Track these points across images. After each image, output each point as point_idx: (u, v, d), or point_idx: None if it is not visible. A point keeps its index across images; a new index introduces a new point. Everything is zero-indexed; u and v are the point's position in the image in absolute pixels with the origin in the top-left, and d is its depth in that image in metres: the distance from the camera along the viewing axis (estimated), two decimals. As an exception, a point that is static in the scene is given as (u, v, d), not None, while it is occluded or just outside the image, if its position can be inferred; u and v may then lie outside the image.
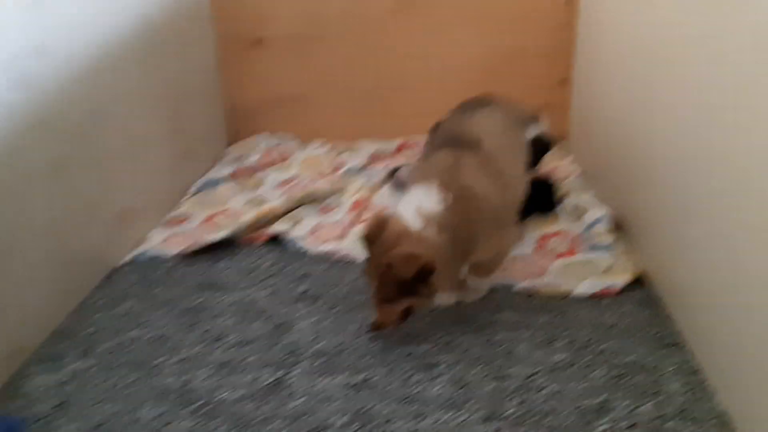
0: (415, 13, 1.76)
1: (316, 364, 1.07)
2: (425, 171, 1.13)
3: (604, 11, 1.50)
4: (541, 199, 1.45)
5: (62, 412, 0.99)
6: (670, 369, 1.04)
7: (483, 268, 1.19)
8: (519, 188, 1.23)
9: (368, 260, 1.05)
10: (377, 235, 1.04)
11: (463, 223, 1.05)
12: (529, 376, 1.03)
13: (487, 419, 0.95)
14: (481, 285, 1.22)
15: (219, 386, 1.03)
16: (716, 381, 0.99)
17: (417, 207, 1.05)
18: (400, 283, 1.01)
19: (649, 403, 0.97)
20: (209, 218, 1.52)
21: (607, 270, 1.27)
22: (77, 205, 1.21)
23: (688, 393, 0.99)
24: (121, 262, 1.36)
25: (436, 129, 1.60)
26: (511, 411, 0.97)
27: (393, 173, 1.42)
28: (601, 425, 0.94)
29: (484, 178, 1.10)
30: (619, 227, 1.38)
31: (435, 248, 1.02)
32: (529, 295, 1.24)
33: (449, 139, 1.18)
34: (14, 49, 1.04)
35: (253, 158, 1.77)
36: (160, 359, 1.09)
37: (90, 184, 1.24)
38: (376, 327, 1.07)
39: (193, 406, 0.99)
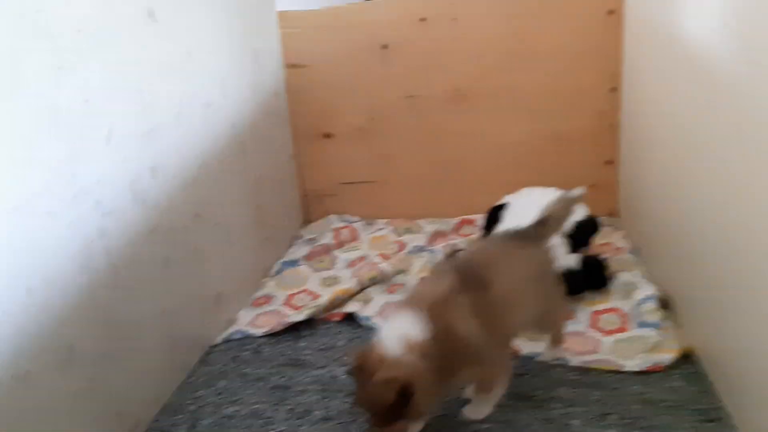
0: (468, 102, 1.93)
1: (391, 438, 1.21)
2: (419, 296, 1.14)
3: (645, 94, 1.63)
4: (593, 276, 1.57)
5: (175, 481, 1.16)
6: (716, 444, 1.13)
7: (482, 386, 1.23)
8: (527, 321, 1.25)
9: (357, 391, 1.08)
10: (363, 366, 1.05)
11: (443, 355, 1.06)
12: (584, 452, 1.14)
13: (546, 493, 1.07)
14: (484, 403, 1.24)
15: (308, 459, 1.18)
16: (760, 456, 1.08)
17: (400, 333, 1.06)
18: (386, 408, 1.02)
19: (697, 478, 1.06)
20: (290, 297, 1.69)
21: (656, 346, 1.37)
22: (181, 294, 1.40)
23: (733, 467, 1.08)
24: (217, 341, 1.54)
25: (491, 213, 1.75)
26: (568, 485, 1.08)
27: (453, 253, 1.56)
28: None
29: (474, 320, 1.10)
30: (666, 304, 1.48)
31: (414, 371, 1.03)
32: (584, 371, 1.35)
33: (462, 267, 1.18)
34: (135, 170, 1.25)
35: (326, 239, 1.95)
36: (256, 432, 1.25)
37: (191, 275, 1.44)
38: None
39: (287, 477, 1.14)
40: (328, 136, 2.02)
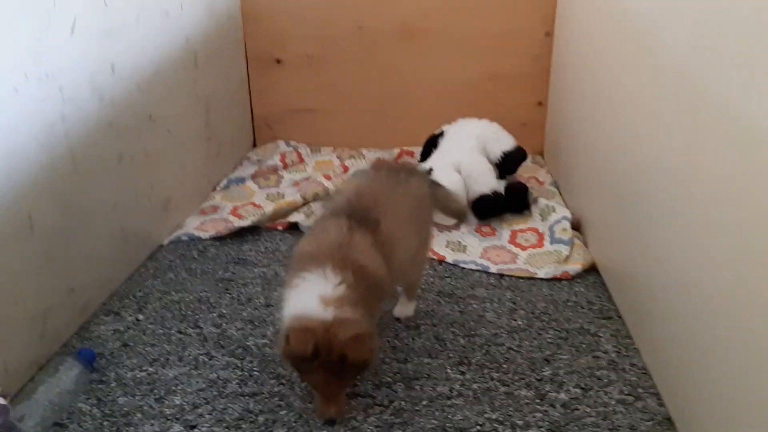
0: (414, 38, 2.04)
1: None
2: (316, 251, 1.06)
3: (574, 40, 1.78)
4: (516, 200, 1.73)
5: (125, 350, 1.26)
6: (607, 334, 1.31)
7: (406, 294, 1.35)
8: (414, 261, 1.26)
9: (319, 368, 0.97)
10: (314, 344, 0.96)
11: (365, 297, 1.04)
12: (493, 335, 1.31)
13: (458, 364, 1.23)
14: (409, 304, 1.36)
15: (249, 335, 1.30)
16: (641, 344, 1.26)
17: (320, 295, 1.00)
18: (357, 366, 0.99)
19: (586, 357, 1.24)
20: (235, 209, 1.80)
21: (566, 259, 1.55)
22: (133, 191, 1.48)
23: (618, 351, 1.26)
24: (165, 241, 1.64)
25: (429, 141, 1.88)
26: (477, 359, 1.24)
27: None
28: (546, 371, 1.21)
29: (377, 256, 1.09)
30: (577, 226, 1.66)
31: (360, 320, 1.00)
32: (501, 276, 1.51)
33: (349, 209, 1.13)
34: (94, 67, 1.32)
35: (273, 161, 2.05)
36: (201, 315, 1.37)
37: (143, 175, 1.52)
38: (335, 419, 1.02)
39: (229, 348, 1.26)
40: (278, 61, 2.10)
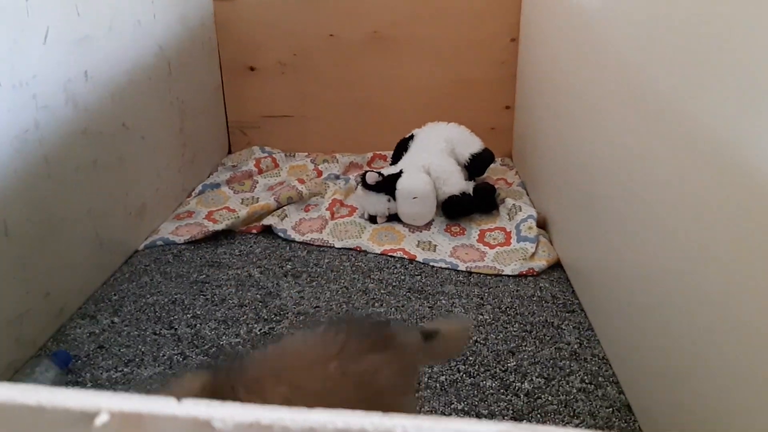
0: (384, 46, 2.09)
1: (297, 320, 1.38)
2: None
3: (539, 45, 1.84)
4: (484, 201, 1.78)
5: (100, 352, 1.29)
6: (569, 327, 1.36)
7: None
8: None
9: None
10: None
11: None
12: (461, 330, 1.35)
13: (425, 357, 1.27)
14: None
15: (223, 334, 1.34)
16: (602, 335, 1.31)
17: None
18: None
19: (549, 349, 1.29)
20: (210, 213, 1.83)
21: (531, 256, 1.60)
22: (107, 197, 1.51)
23: (580, 342, 1.31)
24: (140, 246, 1.66)
25: (400, 144, 1.93)
26: (445, 353, 1.28)
27: (363, 177, 1.74)
28: (510, 362, 1.26)
29: None
30: (544, 225, 1.71)
31: None
32: (469, 273, 1.56)
33: None
34: (70, 72, 1.35)
35: (247, 166, 2.08)
36: (175, 316, 1.40)
37: (117, 181, 1.55)
38: None
39: (203, 348, 1.30)
40: (252, 69, 2.14)
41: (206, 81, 2.06)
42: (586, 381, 1.21)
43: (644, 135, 1.07)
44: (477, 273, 1.56)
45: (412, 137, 1.90)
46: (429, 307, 1.43)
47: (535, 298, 1.46)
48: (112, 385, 1.20)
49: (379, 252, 1.65)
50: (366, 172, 1.75)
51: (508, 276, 1.55)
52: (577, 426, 1.11)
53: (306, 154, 2.19)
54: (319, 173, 2.05)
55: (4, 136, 1.16)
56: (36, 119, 1.25)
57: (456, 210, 1.75)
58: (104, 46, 1.47)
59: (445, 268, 1.58)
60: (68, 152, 1.35)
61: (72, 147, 1.36)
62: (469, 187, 1.79)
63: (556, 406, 1.15)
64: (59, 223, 1.33)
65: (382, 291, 1.49)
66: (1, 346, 1.18)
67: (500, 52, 2.06)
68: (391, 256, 1.63)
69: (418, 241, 1.68)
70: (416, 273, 1.57)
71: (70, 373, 1.22)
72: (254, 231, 1.75)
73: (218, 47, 2.12)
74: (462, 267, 1.58)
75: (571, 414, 1.13)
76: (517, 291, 1.49)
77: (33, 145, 1.24)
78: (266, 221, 1.76)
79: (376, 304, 1.44)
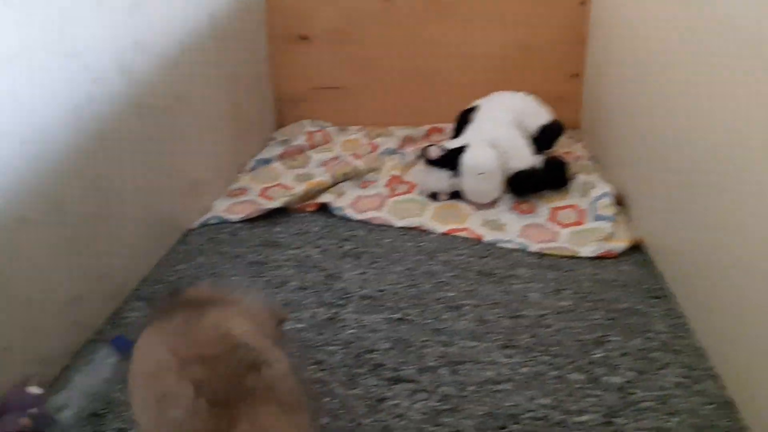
0: (443, 11, 1.97)
1: (362, 305, 1.30)
2: None
3: (614, 11, 1.70)
4: (555, 176, 1.67)
5: (159, 338, 1.23)
6: (658, 314, 1.25)
7: None
8: None
9: None
10: None
11: None
12: (540, 317, 1.25)
13: (504, 347, 1.18)
14: None
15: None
16: (696, 324, 1.20)
17: None
18: None
19: (639, 339, 1.19)
20: (264, 190, 1.75)
21: (609, 237, 1.48)
22: (161, 174, 1.44)
23: (671, 332, 1.20)
24: (194, 224, 1.60)
25: (462, 116, 1.82)
26: (524, 342, 1.19)
27: (425, 151, 1.64)
28: (597, 353, 1.15)
29: None
30: (621, 202, 1.59)
31: None
32: (541, 255, 1.46)
33: None
34: (121, 44, 1.27)
35: (299, 141, 2.00)
36: (234, 300, 1.33)
37: (170, 157, 1.47)
38: None
39: (265, 334, 1.22)
40: (304, 38, 2.04)
41: (256, 51, 1.97)
42: (682, 375, 1.10)
43: (751, 98, 0.95)
44: (550, 255, 1.45)
45: (474, 108, 1.79)
46: (502, 292, 1.33)
47: (617, 283, 1.35)
48: (173, 374, 1.13)
49: (442, 232, 1.55)
50: (428, 146, 1.65)
51: (585, 258, 1.44)
52: (677, 424, 1.00)
53: (359, 127, 2.10)
54: (374, 148, 1.96)
55: (57, 111, 1.09)
56: (88, 92, 1.17)
57: (525, 186, 1.64)
58: (154, 13, 1.38)
59: (515, 250, 1.48)
60: (122, 127, 1.28)
61: (126, 121, 1.29)
62: (538, 161, 1.67)
63: (651, 403, 1.05)
64: (114, 200, 1.27)
65: (449, 274, 1.40)
66: (56, 330, 1.12)
67: (568, 16, 1.92)
68: (455, 236, 1.54)
69: (484, 220, 1.58)
70: (484, 254, 1.47)
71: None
72: (310, 209, 1.67)
73: (267, 16, 2.02)
74: (533, 248, 1.47)
75: (669, 411, 1.03)
76: (597, 275, 1.38)
77: (87, 120, 1.17)
78: (322, 199, 1.67)
79: (444, 288, 1.35)
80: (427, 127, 2.05)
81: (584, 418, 1.03)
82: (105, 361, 1.09)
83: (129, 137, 1.30)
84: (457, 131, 1.79)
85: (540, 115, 1.74)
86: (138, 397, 0.69)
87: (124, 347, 1.15)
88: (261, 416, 0.65)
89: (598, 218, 1.54)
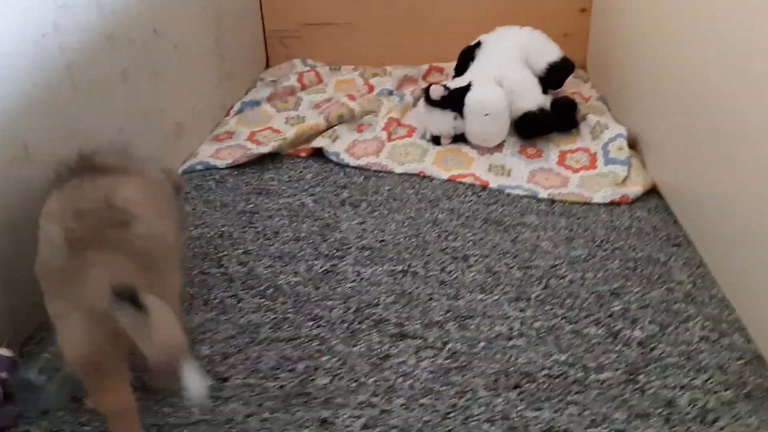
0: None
1: (362, 256, 1.21)
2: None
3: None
4: (563, 117, 1.56)
5: (143, 293, 1.13)
6: (678, 263, 1.17)
7: None
8: None
9: None
10: None
11: None
12: (552, 267, 1.17)
13: (515, 300, 1.09)
14: None
15: (280, 273, 1.17)
16: (718, 273, 1.12)
17: None
18: None
19: (659, 290, 1.11)
20: (253, 134, 1.63)
21: (624, 181, 1.39)
22: (141, 115, 1.32)
23: (693, 282, 1.12)
24: (179, 170, 1.49)
25: (465, 53, 1.70)
26: (536, 294, 1.11)
27: (426, 91, 1.52)
28: (615, 306, 1.08)
29: None
30: (633, 145, 1.49)
31: None
32: (552, 202, 1.36)
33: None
34: (90, -33, 1.14)
35: (289, 81, 1.87)
36: (224, 252, 1.23)
37: (150, 97, 1.35)
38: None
39: (259, 289, 1.13)
40: (293, -30, 1.89)
41: (241, -16, 1.83)
42: (708, 328, 1.03)
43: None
44: (561, 201, 1.36)
45: (479, 45, 1.66)
46: (511, 241, 1.24)
47: (633, 230, 1.26)
48: (159, 332, 1.04)
49: (445, 178, 1.45)
50: (429, 85, 1.53)
51: (599, 204, 1.35)
52: (705, 382, 0.93)
53: (353, 67, 1.96)
54: (371, 88, 1.83)
55: (20, 40, 0.97)
56: (55, 20, 1.04)
57: (532, 129, 1.53)
58: (128, -66, 1.24)
59: (524, 196, 1.38)
60: (93, 60, 1.15)
61: (98, 55, 1.16)
62: (546, 101, 1.56)
63: (676, 359, 0.97)
64: (88, 143, 1.15)
65: (455, 222, 1.31)
66: (29, 285, 1.02)
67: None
68: (460, 183, 1.44)
69: (490, 165, 1.48)
70: (491, 201, 1.37)
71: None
72: (303, 154, 1.56)
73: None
74: (543, 194, 1.38)
75: (696, 368, 0.96)
76: (611, 222, 1.29)
77: (53, 52, 1.04)
78: (316, 143, 1.56)
79: (449, 237, 1.26)
80: (426, 66, 1.92)
81: (604, 375, 0.95)
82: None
83: (102, 73, 1.18)
84: (460, 70, 1.68)
85: (548, 52, 1.62)
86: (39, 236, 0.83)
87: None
88: (114, 265, 0.77)
89: (612, 161, 1.44)
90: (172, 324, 0.71)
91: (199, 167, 1.50)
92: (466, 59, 1.66)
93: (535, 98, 1.54)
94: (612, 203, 1.34)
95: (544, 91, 1.60)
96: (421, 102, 1.58)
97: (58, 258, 0.78)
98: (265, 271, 1.17)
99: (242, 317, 1.07)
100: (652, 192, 1.37)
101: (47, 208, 0.85)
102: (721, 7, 1.07)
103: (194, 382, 0.71)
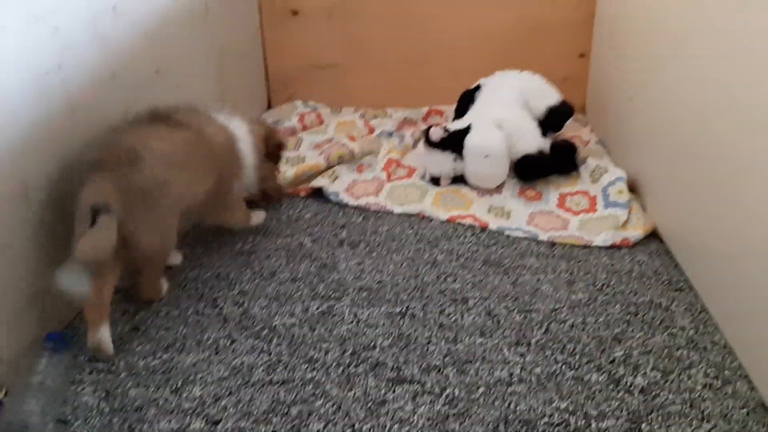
0: (444, -13, 1.86)
1: (359, 297, 1.19)
2: None
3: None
4: (563, 160, 1.56)
5: (135, 335, 1.11)
6: (680, 308, 1.15)
7: None
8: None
9: None
10: None
11: None
12: (553, 311, 1.15)
13: (515, 344, 1.07)
14: None
15: (276, 314, 1.15)
16: (720, 319, 1.11)
17: None
18: None
19: (661, 335, 1.09)
20: (253, 174, 1.63)
21: (624, 224, 1.38)
22: (141, 154, 1.32)
23: (695, 327, 1.10)
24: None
25: (465, 96, 1.71)
26: (537, 338, 1.09)
27: (427, 132, 1.53)
28: (617, 351, 1.05)
29: None
30: (632, 189, 1.49)
31: None
32: (552, 244, 1.35)
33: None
34: (95, 8, 1.15)
35: (290, 122, 1.88)
36: (220, 292, 1.21)
37: (151, 136, 1.36)
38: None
39: (253, 330, 1.11)
40: (295, 13, 1.92)
41: (245, 26, 1.85)
42: (711, 375, 1.01)
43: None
44: (561, 244, 1.35)
45: (478, 88, 1.68)
46: (511, 284, 1.23)
47: (634, 274, 1.25)
48: (150, 375, 1.02)
49: (445, 219, 1.44)
50: (430, 126, 1.54)
51: (599, 248, 1.34)
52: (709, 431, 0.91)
53: (354, 108, 1.98)
54: (371, 129, 1.84)
55: (23, 77, 0.98)
56: (59, 59, 1.05)
57: (532, 171, 1.53)
58: (134, -23, 1.26)
59: (524, 238, 1.38)
60: (96, 99, 1.16)
61: (100, 93, 1.17)
62: (545, 144, 1.56)
63: (679, 406, 0.95)
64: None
65: (454, 263, 1.29)
66: (20, 327, 1.01)
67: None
68: (459, 224, 1.43)
69: (490, 207, 1.48)
70: (490, 243, 1.36)
71: (88, 359, 1.04)
72: (303, 194, 1.55)
73: (257, -12, 1.90)
74: (543, 237, 1.37)
75: (700, 416, 0.93)
76: (612, 265, 1.28)
77: (56, 90, 1.05)
78: (316, 183, 1.56)
79: (449, 279, 1.24)
80: (426, 108, 1.94)
81: (606, 423, 0.93)
82: (51, 370, 0.97)
83: (104, 111, 1.18)
84: (460, 112, 1.69)
85: (548, 96, 1.63)
86: None
87: (60, 341, 1.03)
88: (102, 186, 1.00)
89: (612, 205, 1.44)
90: (94, 241, 0.96)
91: (197, 206, 1.49)
92: (466, 102, 1.67)
93: (534, 141, 1.55)
94: (613, 246, 1.33)
95: (544, 134, 1.61)
96: (421, 143, 1.58)
97: (81, 178, 1.02)
98: (261, 312, 1.16)
99: (235, 358, 1.05)
100: (653, 235, 1.36)
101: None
102: (718, 52, 1.08)
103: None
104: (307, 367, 1.03)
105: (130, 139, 1.07)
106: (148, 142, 1.08)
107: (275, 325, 1.12)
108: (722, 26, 1.06)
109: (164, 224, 1.10)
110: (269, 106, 2.03)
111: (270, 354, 1.06)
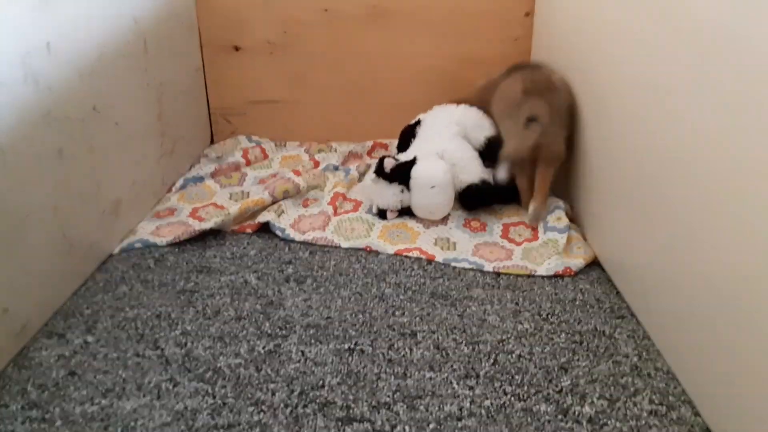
0: (384, 21, 1.88)
1: (307, 334, 1.17)
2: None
3: (559, 24, 1.65)
4: (506, 189, 1.59)
5: (72, 380, 1.06)
6: (623, 335, 1.18)
7: None
8: None
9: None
10: None
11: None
12: (500, 342, 1.16)
13: (464, 377, 1.07)
14: None
15: (220, 354, 1.12)
16: (662, 345, 1.13)
17: None
18: None
19: (606, 363, 1.11)
20: (195, 210, 1.60)
21: (565, 251, 1.41)
22: (76, 193, 1.28)
23: (639, 354, 1.13)
24: (116, 249, 1.43)
25: (406, 131, 1.73)
26: (485, 371, 1.09)
27: (381, 163, 1.53)
28: (564, 381, 1.06)
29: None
30: (573, 219, 1.53)
31: None
32: (498, 274, 1.37)
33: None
34: (27, 46, 1.12)
35: (234, 157, 1.86)
36: (161, 333, 1.18)
37: (87, 174, 1.32)
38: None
39: (197, 372, 1.08)
40: (237, 48, 1.91)
41: (186, 61, 1.83)
42: (656, 401, 1.02)
43: (707, 109, 0.89)
44: (506, 273, 1.37)
45: (418, 123, 1.70)
46: (458, 316, 1.23)
47: (577, 302, 1.27)
48: (88, 423, 0.97)
49: (392, 252, 1.44)
50: (383, 157, 1.54)
51: (543, 277, 1.36)
52: (656, 458, 0.92)
53: (298, 143, 1.97)
54: (316, 164, 1.84)
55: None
56: (-14, 98, 1.02)
57: (476, 200, 1.55)
58: (69, 12, 1.24)
59: (470, 269, 1.39)
60: (28, 139, 1.12)
61: (33, 133, 1.13)
62: (488, 174, 1.59)
63: (626, 434, 0.96)
64: (19, 223, 1.11)
65: (402, 297, 1.29)
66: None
67: (514, 28, 1.87)
68: (406, 257, 1.43)
69: (436, 239, 1.49)
70: (437, 275, 1.37)
71: (21, 407, 1.00)
72: (249, 230, 1.53)
73: (199, 23, 1.89)
74: (488, 267, 1.38)
75: (646, 443, 0.95)
76: (556, 294, 1.30)
77: (-17, 130, 1.01)
78: (262, 218, 1.54)
79: (397, 313, 1.24)
80: (370, 142, 1.95)
81: (556, 454, 0.93)
82: None
83: (37, 151, 1.15)
84: (402, 146, 1.70)
85: (484, 128, 1.66)
86: (498, 108, 1.60)
87: None
88: (537, 105, 1.45)
89: (550, 230, 1.47)
90: (522, 141, 1.45)
91: (138, 245, 1.45)
92: (407, 137, 1.69)
93: (476, 171, 1.57)
94: (556, 275, 1.36)
95: (486, 165, 1.64)
96: (369, 175, 1.59)
97: (516, 98, 1.48)
98: (204, 353, 1.12)
99: (178, 403, 1.01)
100: (594, 264, 1.40)
101: (510, 80, 1.57)
102: (659, 82, 1.12)
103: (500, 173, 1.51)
104: (253, 410, 1.01)
105: (539, 76, 1.52)
106: (551, 77, 1.51)
107: (220, 367, 1.09)
108: (667, 53, 1.10)
109: (564, 135, 1.48)
110: (212, 141, 2.01)
111: (215, 397, 1.03)
